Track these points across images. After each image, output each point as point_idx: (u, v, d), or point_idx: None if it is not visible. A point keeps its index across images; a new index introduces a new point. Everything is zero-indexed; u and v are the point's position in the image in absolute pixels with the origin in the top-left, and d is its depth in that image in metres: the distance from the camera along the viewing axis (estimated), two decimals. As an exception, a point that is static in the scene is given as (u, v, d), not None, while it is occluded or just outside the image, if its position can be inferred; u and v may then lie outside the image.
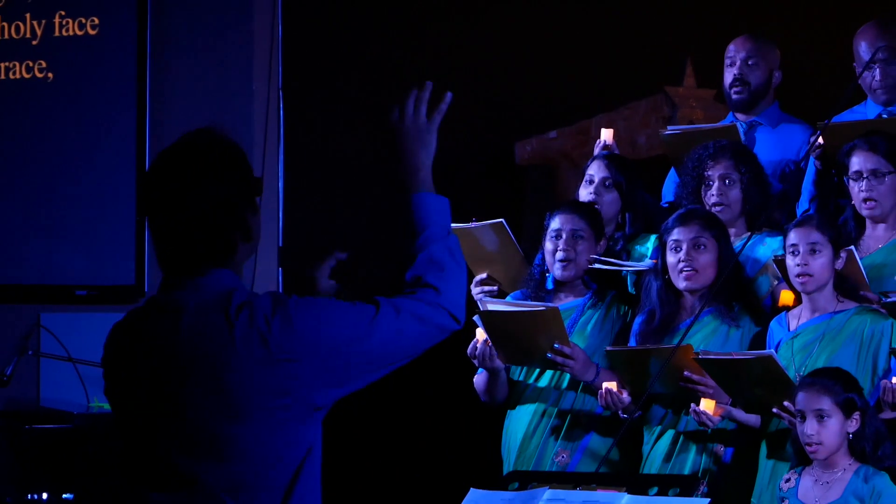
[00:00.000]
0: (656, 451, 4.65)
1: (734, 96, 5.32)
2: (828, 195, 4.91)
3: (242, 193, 2.61)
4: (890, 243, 4.68)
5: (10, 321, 6.65)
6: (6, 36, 6.83)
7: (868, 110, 5.14)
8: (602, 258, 4.84)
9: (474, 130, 6.77)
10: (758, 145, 5.28)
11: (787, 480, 4.30)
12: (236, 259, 2.62)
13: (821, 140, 4.84)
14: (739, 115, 5.38)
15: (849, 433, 4.22)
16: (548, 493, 3.77)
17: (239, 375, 2.50)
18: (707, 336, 4.61)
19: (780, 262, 4.60)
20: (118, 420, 2.65)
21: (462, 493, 3.98)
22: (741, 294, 4.70)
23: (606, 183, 5.05)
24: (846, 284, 4.52)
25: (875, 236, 4.71)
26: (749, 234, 4.71)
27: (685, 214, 4.67)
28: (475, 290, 5.18)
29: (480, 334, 4.77)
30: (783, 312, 4.59)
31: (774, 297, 4.72)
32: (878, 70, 5.04)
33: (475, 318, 4.74)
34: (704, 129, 5.23)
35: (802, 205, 5.07)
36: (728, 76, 5.35)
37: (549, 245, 4.89)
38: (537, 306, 4.71)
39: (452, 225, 5.22)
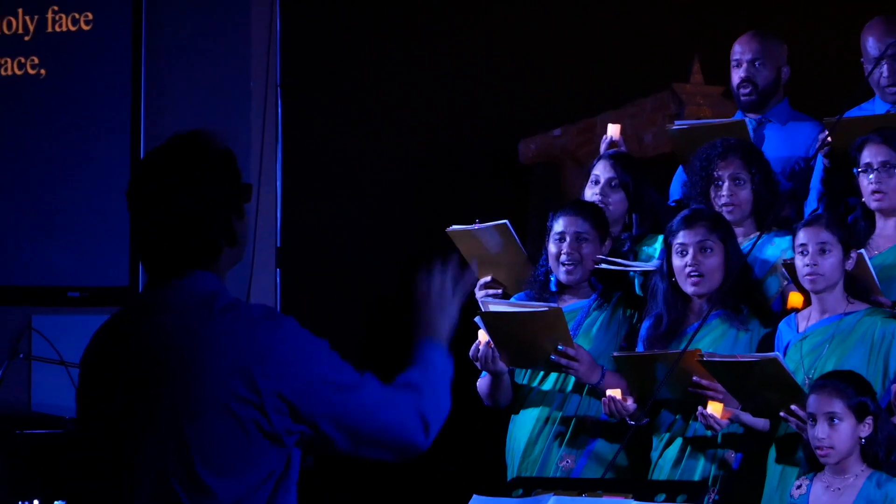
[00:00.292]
0: (665, 457, 4.66)
1: (743, 98, 5.32)
2: (837, 193, 4.91)
3: (229, 198, 2.64)
4: (900, 242, 4.69)
5: (1, 323, 6.65)
6: (-3, 32, 6.84)
7: (876, 107, 5.14)
8: (608, 258, 4.84)
9: (477, 128, 6.78)
10: (766, 142, 5.28)
11: (799, 487, 4.29)
12: (220, 263, 2.64)
13: (828, 137, 4.84)
14: (749, 114, 5.38)
15: (861, 438, 4.22)
16: (552, 500, 3.77)
17: (212, 377, 2.52)
18: (715, 340, 4.61)
19: (790, 267, 4.60)
20: (85, 422, 2.67)
21: (465, 500, 3.98)
22: (750, 296, 4.70)
23: (612, 183, 5.05)
24: (856, 286, 4.52)
25: (885, 235, 4.71)
26: (758, 234, 4.71)
27: (690, 216, 4.67)
28: (479, 294, 5.18)
29: (482, 336, 4.77)
30: (792, 314, 4.59)
31: (784, 297, 4.71)
32: (885, 67, 5.05)
33: (476, 319, 4.74)
34: (712, 124, 5.23)
35: (811, 203, 5.07)
36: (735, 77, 5.35)
37: (552, 248, 4.88)
38: (540, 307, 4.71)
39: (455, 227, 5.26)
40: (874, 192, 4.67)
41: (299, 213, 6.75)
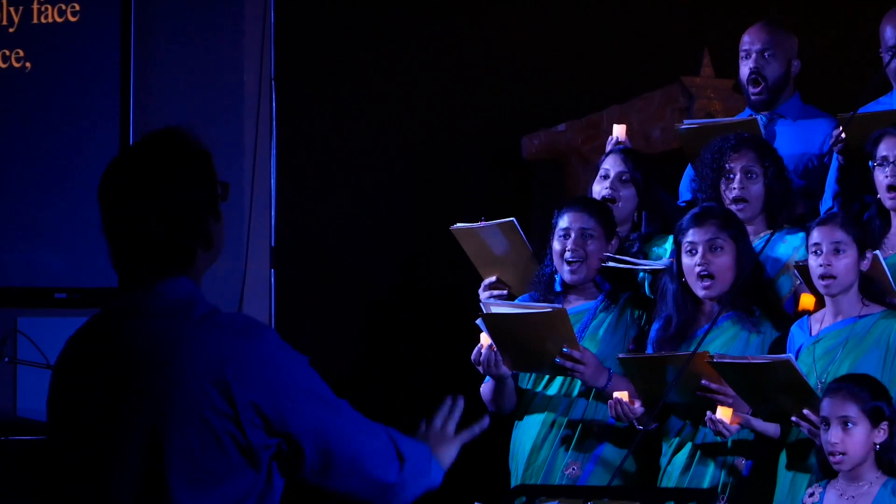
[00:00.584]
0: (674, 463, 4.65)
1: (753, 97, 5.30)
2: (852, 192, 4.90)
3: (205, 199, 2.62)
4: (917, 241, 4.68)
5: (-14, 326, 6.64)
6: (-19, 23, 6.83)
7: (894, 101, 5.12)
8: (616, 256, 4.83)
9: (478, 123, 6.77)
10: (778, 139, 5.27)
11: (811, 495, 4.29)
12: (196, 267, 2.63)
13: (843, 133, 4.83)
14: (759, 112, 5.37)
15: (875, 444, 4.22)
16: (557, 508, 3.76)
17: (187, 388, 2.51)
18: (726, 342, 4.60)
19: (802, 268, 4.59)
20: (56, 429, 2.66)
21: (467, 508, 3.98)
22: (762, 297, 4.69)
23: (623, 178, 5.04)
24: (872, 287, 4.51)
25: (901, 233, 4.70)
26: (770, 232, 4.70)
27: (700, 214, 4.65)
28: (483, 295, 5.17)
29: (485, 339, 4.76)
30: (805, 316, 4.58)
31: (796, 298, 4.70)
32: None
33: (478, 321, 4.73)
34: (723, 122, 5.22)
35: (826, 202, 5.05)
36: (744, 69, 5.33)
37: (556, 245, 4.87)
38: (544, 308, 4.70)
39: (460, 224, 5.25)
40: (890, 187, 4.66)
41: (294, 212, 6.75)
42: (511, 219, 5.10)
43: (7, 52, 6.80)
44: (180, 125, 2.67)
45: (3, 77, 6.79)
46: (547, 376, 4.87)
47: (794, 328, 4.59)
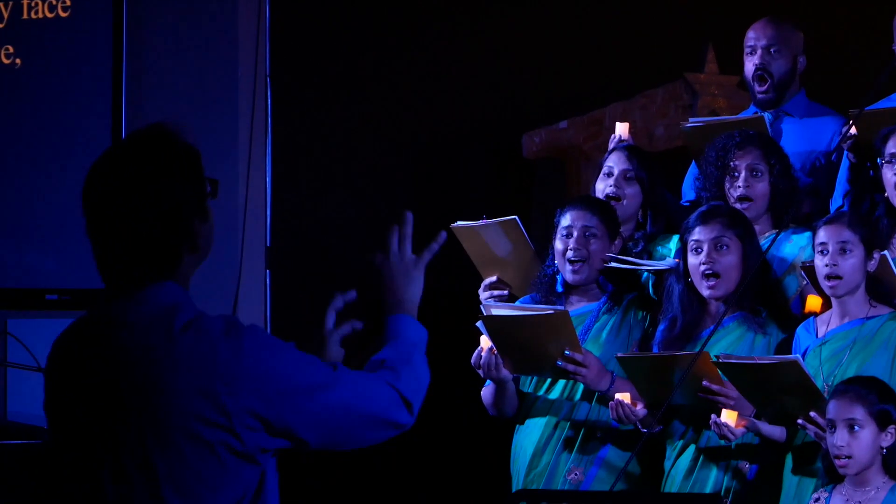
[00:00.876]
0: (677, 467, 4.66)
1: (759, 96, 5.31)
2: (863, 190, 4.90)
3: (189, 198, 2.60)
4: (926, 241, 4.68)
5: (-26, 328, 6.65)
6: (-31, 19, 6.83)
7: (906, 98, 5.14)
8: (619, 257, 4.83)
9: (478, 121, 6.78)
10: (784, 136, 5.28)
11: (817, 500, 4.29)
12: (181, 270, 2.61)
13: (853, 130, 4.83)
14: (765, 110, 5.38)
15: (882, 448, 4.22)
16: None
17: (175, 401, 2.50)
18: (732, 343, 4.61)
19: (809, 269, 4.59)
20: (54, 432, 2.66)
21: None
22: (768, 298, 4.69)
23: (627, 175, 5.04)
24: (880, 288, 4.51)
25: (909, 234, 4.71)
26: (775, 231, 4.70)
27: (707, 212, 4.66)
28: (483, 295, 5.17)
29: (485, 342, 4.76)
30: (811, 318, 4.59)
31: (802, 299, 4.71)
32: None
33: (478, 324, 4.73)
34: (729, 121, 5.22)
35: (836, 200, 5.06)
36: (749, 65, 5.34)
37: (558, 244, 4.87)
38: (545, 310, 4.69)
39: (460, 223, 5.25)
40: (898, 184, 4.67)
41: (290, 211, 6.75)
42: (513, 217, 5.09)
43: (-4, 49, 6.81)
44: (168, 122, 2.65)
45: (-7, 74, 6.79)
46: (549, 379, 4.87)
47: (799, 330, 4.59)
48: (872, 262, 4.48)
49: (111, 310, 2.60)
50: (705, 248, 4.61)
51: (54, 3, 6.75)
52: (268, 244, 6.71)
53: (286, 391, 2.55)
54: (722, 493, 4.55)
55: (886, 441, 4.22)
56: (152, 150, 2.60)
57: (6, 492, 5.62)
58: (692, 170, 5.41)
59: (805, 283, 4.70)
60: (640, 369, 4.57)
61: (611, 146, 5.26)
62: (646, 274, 4.94)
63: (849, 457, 4.19)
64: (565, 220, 4.87)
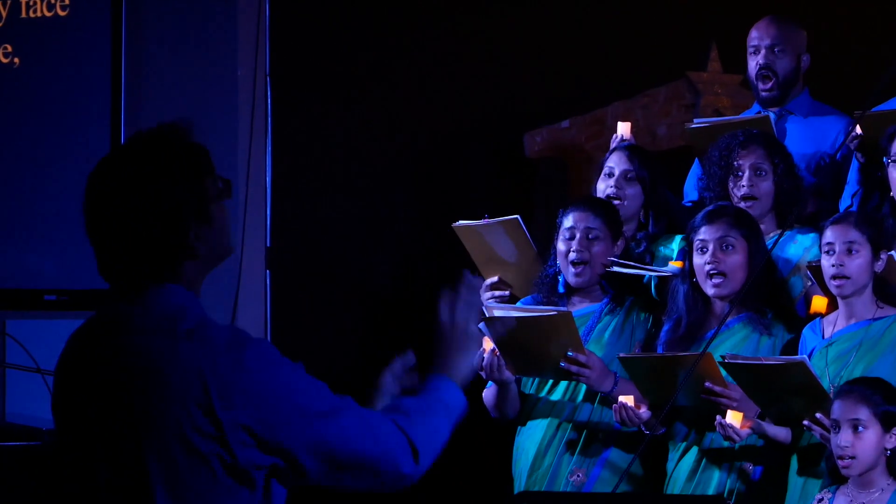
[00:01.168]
0: (680, 469, 4.65)
1: (763, 93, 5.31)
2: (871, 190, 4.90)
3: (187, 200, 2.56)
4: (934, 240, 4.68)
5: (-27, 329, 6.65)
6: (-33, 18, 6.82)
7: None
8: (621, 261, 4.82)
9: (479, 120, 6.77)
10: (788, 136, 5.28)
11: (820, 501, 4.29)
12: (184, 273, 2.58)
13: (859, 130, 4.83)
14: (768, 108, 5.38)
15: (887, 449, 4.22)
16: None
17: (173, 409, 2.48)
18: (737, 344, 4.60)
19: (815, 269, 4.59)
20: (58, 433, 2.65)
21: (469, 516, 3.98)
22: (774, 298, 4.69)
23: (628, 175, 5.04)
24: (887, 289, 4.50)
25: (918, 232, 4.70)
26: (779, 231, 4.70)
27: (713, 212, 4.66)
28: (485, 296, 5.16)
29: (487, 343, 4.75)
30: (817, 319, 4.58)
31: (807, 299, 4.70)
32: None
33: (480, 325, 4.72)
34: (734, 121, 5.22)
35: (845, 200, 5.06)
36: (752, 65, 5.34)
37: (561, 246, 4.87)
38: (548, 311, 4.69)
39: (461, 222, 5.24)
40: (905, 182, 4.67)
41: (290, 211, 6.74)
42: (515, 216, 5.09)
43: (-5, 48, 6.81)
44: (177, 121, 2.62)
45: (-9, 73, 6.79)
46: (551, 381, 4.87)
47: (806, 331, 4.59)
48: (879, 263, 4.48)
49: (118, 311, 2.59)
50: (711, 247, 4.61)
51: (53, 2, 6.74)
52: (268, 244, 6.70)
53: (283, 411, 2.50)
54: (725, 495, 4.54)
55: (891, 443, 4.21)
56: (150, 152, 2.58)
57: (5, 493, 5.62)
58: (694, 170, 5.41)
59: (810, 283, 4.70)
60: (643, 370, 4.57)
61: (612, 146, 5.26)
62: (647, 276, 4.94)
63: (852, 457, 4.19)
64: (567, 222, 4.86)
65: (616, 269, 4.82)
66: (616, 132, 5.34)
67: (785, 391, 4.33)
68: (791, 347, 4.59)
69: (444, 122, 6.80)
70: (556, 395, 4.87)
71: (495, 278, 5.22)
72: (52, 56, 6.75)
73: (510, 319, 4.67)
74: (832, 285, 4.48)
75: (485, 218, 5.13)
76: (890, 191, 4.75)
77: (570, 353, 4.61)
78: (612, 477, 4.75)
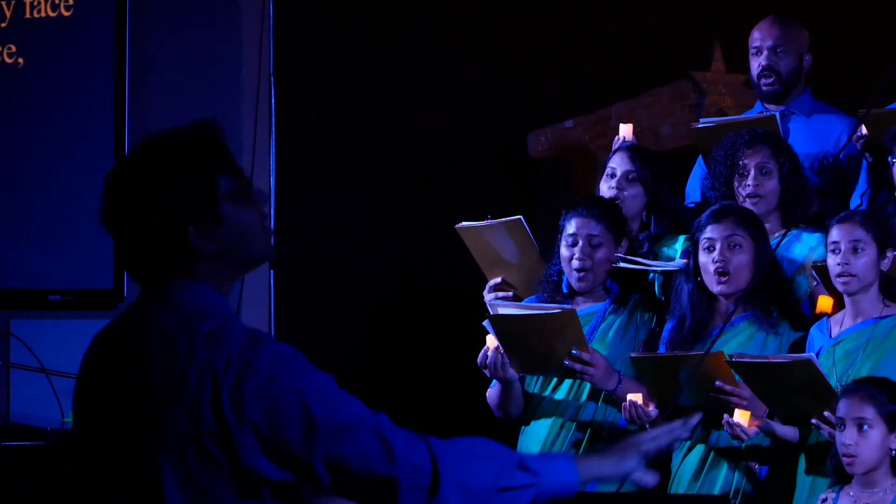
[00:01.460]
0: (684, 468, 4.65)
1: (765, 88, 5.33)
2: (880, 189, 4.90)
3: (189, 199, 2.55)
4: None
5: (-23, 329, 6.65)
6: (-29, 19, 6.83)
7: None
8: (628, 257, 4.82)
9: (483, 120, 6.77)
10: (791, 136, 5.29)
11: (824, 500, 4.28)
12: (198, 275, 2.57)
13: (864, 130, 4.83)
14: (770, 106, 5.39)
15: (892, 449, 4.21)
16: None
17: (187, 410, 2.48)
18: (742, 343, 4.60)
19: (821, 269, 4.59)
20: (77, 428, 2.65)
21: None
22: (779, 297, 4.69)
23: (630, 177, 5.05)
24: (893, 288, 4.50)
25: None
26: (784, 230, 4.70)
27: (719, 211, 4.66)
28: (488, 297, 5.17)
29: (491, 342, 4.76)
30: (825, 318, 4.58)
31: (813, 299, 4.71)
32: None
33: (485, 323, 4.73)
34: (740, 120, 5.23)
35: (855, 200, 5.06)
36: (755, 65, 5.36)
37: (564, 251, 4.87)
38: (552, 308, 4.69)
39: (464, 223, 5.23)
40: (909, 182, 4.67)
41: (294, 211, 6.74)
42: (518, 217, 5.09)
43: (-1, 48, 6.81)
44: (201, 119, 2.62)
45: (-5, 74, 6.79)
46: (555, 380, 4.87)
47: (813, 330, 4.59)
48: (885, 261, 4.48)
49: (142, 310, 2.59)
50: (718, 246, 4.61)
51: (57, 2, 6.75)
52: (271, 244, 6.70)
53: (293, 417, 2.46)
54: (731, 494, 4.54)
55: (895, 443, 4.21)
56: (157, 150, 2.59)
57: (9, 492, 5.62)
58: (695, 171, 5.42)
59: (816, 283, 4.70)
60: (654, 370, 4.57)
61: (614, 147, 5.26)
62: (653, 274, 4.94)
63: (856, 455, 4.19)
64: (570, 227, 4.86)
65: (623, 264, 4.82)
66: (618, 134, 5.35)
67: (792, 389, 4.32)
68: (798, 346, 4.59)
69: (448, 122, 6.81)
70: (560, 395, 4.87)
71: (499, 279, 5.22)
72: (56, 56, 6.75)
73: (513, 317, 4.67)
74: (838, 283, 4.48)
75: (488, 219, 5.13)
76: (893, 188, 4.75)
77: (574, 351, 4.61)
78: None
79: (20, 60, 6.78)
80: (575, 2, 6.65)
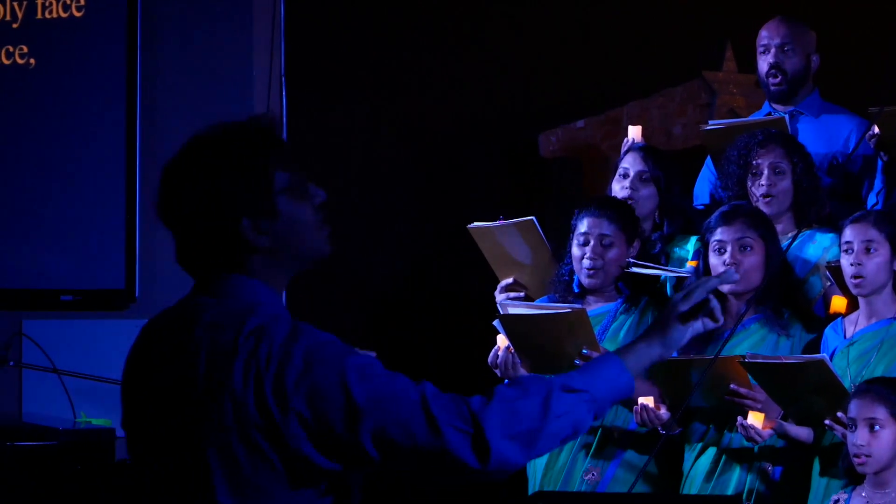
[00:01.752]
0: (696, 469, 4.64)
1: (773, 87, 5.33)
2: (892, 187, 4.90)
3: (237, 197, 2.53)
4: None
5: (-11, 329, 6.65)
6: (-16, 19, 6.84)
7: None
8: (639, 262, 4.82)
9: (493, 120, 6.76)
10: (800, 137, 5.28)
11: (836, 501, 4.28)
12: (252, 270, 2.56)
13: (877, 129, 4.83)
14: (777, 106, 5.39)
15: (903, 448, 4.21)
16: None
17: (234, 405, 2.46)
18: (754, 345, 4.59)
19: (834, 269, 4.58)
20: (126, 422, 2.65)
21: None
22: (791, 298, 4.68)
23: (643, 177, 5.04)
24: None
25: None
26: (797, 231, 4.70)
27: (729, 212, 4.65)
28: (499, 297, 5.16)
29: (502, 341, 4.76)
30: (839, 319, 4.57)
31: (826, 299, 4.70)
32: None
33: (496, 322, 4.73)
34: (750, 122, 5.23)
35: (871, 199, 5.05)
36: (762, 64, 5.36)
37: (575, 251, 4.87)
38: (563, 308, 4.69)
39: (476, 223, 5.23)
40: (921, 181, 4.66)
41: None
42: (530, 217, 5.09)
43: (10, 49, 6.80)
44: (259, 114, 2.60)
45: (6, 74, 6.78)
46: (565, 379, 4.86)
47: (827, 331, 4.58)
48: (899, 261, 4.47)
49: (193, 303, 2.57)
50: (729, 248, 4.60)
51: (68, 2, 6.76)
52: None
53: (335, 402, 2.44)
54: (745, 495, 4.53)
55: (907, 443, 4.21)
56: (212, 143, 2.57)
57: (21, 493, 5.63)
58: (703, 173, 5.41)
59: (829, 283, 4.69)
60: (668, 372, 4.56)
61: (623, 149, 5.26)
62: (664, 277, 4.94)
63: (868, 455, 4.18)
64: (582, 227, 4.86)
65: (634, 269, 4.82)
66: (628, 135, 5.35)
67: (805, 390, 4.32)
68: (811, 348, 4.58)
69: (459, 122, 6.80)
70: (571, 394, 4.85)
71: (510, 279, 5.22)
72: (68, 57, 6.76)
73: (524, 317, 4.67)
74: (851, 284, 4.47)
75: (500, 219, 5.13)
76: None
77: (584, 351, 4.61)
78: (626, 476, 4.74)
79: (32, 61, 6.79)
80: (586, 2, 6.64)
